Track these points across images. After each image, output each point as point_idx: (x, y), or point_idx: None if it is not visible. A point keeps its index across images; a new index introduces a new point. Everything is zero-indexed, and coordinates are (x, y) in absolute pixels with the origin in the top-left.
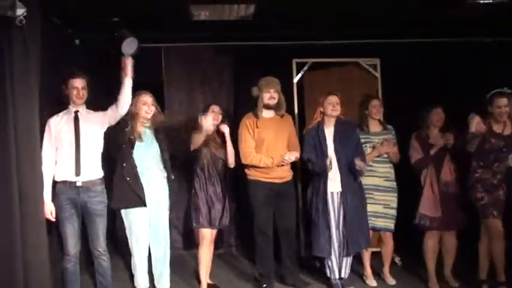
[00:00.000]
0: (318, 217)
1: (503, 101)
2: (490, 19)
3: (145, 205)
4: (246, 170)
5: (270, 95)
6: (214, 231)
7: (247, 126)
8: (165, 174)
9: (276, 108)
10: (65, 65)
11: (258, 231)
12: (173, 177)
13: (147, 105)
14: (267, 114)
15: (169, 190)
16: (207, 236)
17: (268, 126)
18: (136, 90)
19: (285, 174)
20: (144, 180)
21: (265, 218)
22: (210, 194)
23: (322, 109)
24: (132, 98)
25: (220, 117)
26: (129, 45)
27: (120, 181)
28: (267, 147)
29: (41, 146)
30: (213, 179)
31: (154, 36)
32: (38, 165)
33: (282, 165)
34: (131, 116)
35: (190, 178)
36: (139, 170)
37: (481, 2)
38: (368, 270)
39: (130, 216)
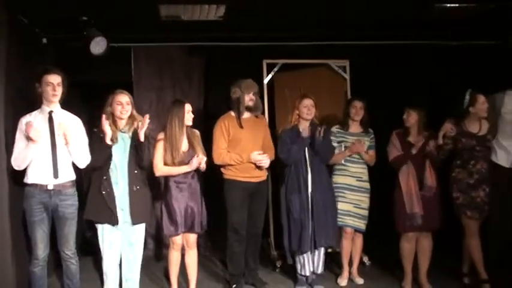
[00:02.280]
0: (299, 214)
1: (483, 98)
2: (457, 23)
3: (117, 223)
4: (223, 170)
5: (250, 97)
6: (191, 236)
7: (222, 127)
8: (138, 184)
9: (254, 109)
10: (32, 64)
11: (232, 231)
12: (135, 188)
13: (122, 106)
14: (245, 115)
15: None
16: (176, 240)
17: (245, 127)
18: (104, 90)
19: (261, 174)
20: (117, 188)
21: (239, 217)
22: (182, 197)
23: (298, 112)
24: (109, 96)
25: (191, 116)
26: (98, 45)
27: (97, 193)
28: (243, 148)
29: (7, 145)
30: (185, 182)
31: (123, 36)
32: (1, 165)
33: (255, 165)
34: (107, 117)
35: (163, 181)
36: (112, 176)
37: (448, 5)
38: (345, 270)
39: (103, 224)
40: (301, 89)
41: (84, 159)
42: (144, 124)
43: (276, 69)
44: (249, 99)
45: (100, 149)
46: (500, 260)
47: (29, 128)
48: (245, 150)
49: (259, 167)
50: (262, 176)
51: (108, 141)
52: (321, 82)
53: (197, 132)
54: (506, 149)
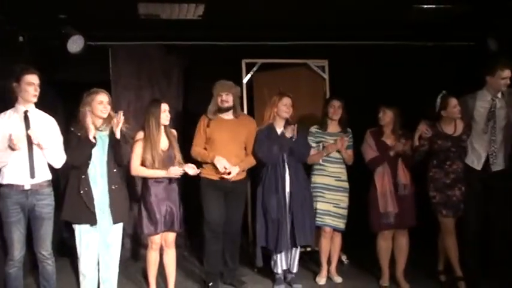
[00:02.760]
0: (276, 214)
1: (455, 101)
2: (434, 24)
3: (96, 222)
4: (200, 168)
5: (222, 98)
6: (170, 235)
7: (200, 126)
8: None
9: (229, 110)
10: (8, 62)
11: (208, 230)
12: (114, 187)
13: (103, 105)
14: (224, 116)
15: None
16: (155, 239)
17: (222, 127)
18: (81, 89)
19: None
20: (95, 187)
21: (215, 216)
22: (161, 197)
23: (276, 109)
24: (88, 95)
25: (168, 116)
26: (75, 43)
27: (75, 193)
28: (218, 148)
29: None
30: (164, 181)
31: (101, 34)
32: None
33: (223, 173)
34: (84, 116)
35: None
36: (91, 175)
37: (426, 7)
38: (323, 268)
39: (81, 225)
40: (280, 88)
41: (59, 160)
42: (119, 121)
43: (255, 68)
44: (220, 100)
45: (79, 147)
46: (475, 257)
47: (12, 141)
48: (218, 151)
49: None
50: (238, 175)
51: (91, 138)
52: (300, 82)
53: (174, 132)
54: (478, 152)
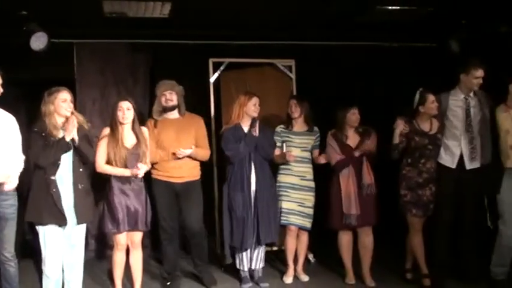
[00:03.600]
0: (242, 212)
1: (432, 97)
2: (399, 25)
3: (66, 223)
4: (151, 169)
5: (166, 97)
6: (136, 234)
7: (147, 127)
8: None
9: (173, 109)
10: None
11: (161, 229)
12: (80, 186)
13: (67, 103)
14: (169, 115)
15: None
16: (120, 240)
17: (168, 127)
18: (45, 88)
19: (184, 174)
20: (62, 187)
21: (166, 216)
22: (125, 196)
23: (245, 109)
24: (50, 94)
25: (127, 114)
26: (39, 40)
27: (41, 194)
28: (167, 148)
29: None
30: (129, 180)
31: (65, 31)
32: None
33: (179, 159)
34: (47, 115)
35: (105, 179)
36: (57, 175)
37: (389, 8)
38: (290, 267)
39: (46, 226)
40: (248, 87)
41: (17, 160)
42: (71, 124)
43: (222, 68)
44: (164, 99)
45: (51, 148)
46: (443, 256)
47: None
48: (167, 151)
49: (182, 168)
50: (186, 177)
51: (68, 139)
52: (267, 81)
53: (144, 129)
54: (451, 150)
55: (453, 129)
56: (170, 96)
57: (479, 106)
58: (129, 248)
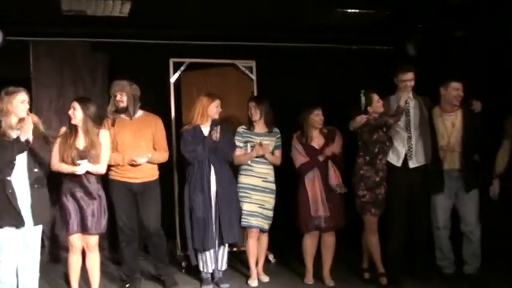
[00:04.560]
0: (202, 213)
1: (376, 96)
2: (357, 27)
3: (24, 224)
4: (108, 170)
5: (116, 98)
6: (91, 238)
7: (104, 127)
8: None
9: (125, 111)
10: None
11: (119, 231)
12: (36, 186)
13: (24, 104)
14: (123, 116)
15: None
16: (74, 242)
17: (124, 127)
18: (0, 86)
19: (142, 175)
20: (17, 188)
21: (124, 217)
22: (77, 198)
23: (207, 110)
24: (8, 94)
25: (74, 114)
26: None
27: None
28: (122, 148)
29: None
30: (82, 182)
31: (21, 29)
32: None
33: (136, 165)
34: (3, 115)
35: (60, 181)
36: (13, 175)
37: (349, 11)
38: (253, 270)
39: (2, 229)
40: (209, 87)
41: None
42: (27, 124)
43: (182, 68)
44: (115, 100)
45: (2, 148)
46: (398, 254)
47: None
48: (124, 152)
49: (139, 169)
50: (144, 177)
51: (23, 139)
52: (229, 82)
53: (97, 130)
54: (397, 149)
55: (397, 128)
56: (120, 97)
57: (419, 107)
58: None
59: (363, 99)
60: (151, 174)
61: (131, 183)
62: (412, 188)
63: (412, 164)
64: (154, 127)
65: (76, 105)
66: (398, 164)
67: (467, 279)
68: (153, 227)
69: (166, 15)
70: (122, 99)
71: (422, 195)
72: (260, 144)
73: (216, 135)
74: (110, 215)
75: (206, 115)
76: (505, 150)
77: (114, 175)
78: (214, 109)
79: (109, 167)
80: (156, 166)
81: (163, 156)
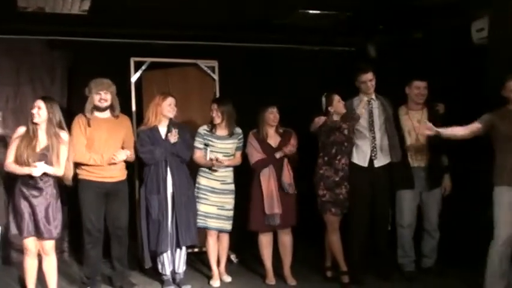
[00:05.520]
0: (157, 214)
1: (337, 96)
2: (319, 29)
3: None
4: (77, 170)
5: (100, 96)
6: (47, 242)
7: (79, 125)
8: None
9: (109, 109)
10: None
11: (86, 232)
12: None
13: None
14: (100, 114)
15: None
16: (28, 245)
17: (100, 126)
18: None
19: (116, 174)
20: None
21: (93, 218)
22: (30, 201)
23: (160, 109)
24: None
25: (39, 113)
26: None
27: None
28: (98, 148)
29: None
30: (37, 184)
31: None
32: None
33: (114, 164)
34: None
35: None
36: None
37: (311, 12)
38: (214, 271)
39: None
40: (170, 87)
41: None
42: None
43: (144, 67)
44: (99, 98)
45: None
46: (360, 252)
47: None
48: (100, 151)
49: (114, 167)
50: (118, 176)
51: None
52: (190, 82)
53: (58, 131)
54: (362, 149)
55: (361, 129)
56: (105, 96)
57: (382, 107)
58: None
59: (323, 100)
60: (123, 173)
61: (105, 182)
62: (376, 187)
63: (377, 164)
64: (126, 127)
65: (41, 104)
66: (364, 164)
67: (426, 272)
68: (124, 228)
69: (127, 13)
70: (106, 98)
71: (386, 194)
72: (217, 160)
73: (175, 136)
74: (73, 217)
75: (160, 114)
76: (467, 129)
77: (86, 175)
78: (166, 107)
79: (79, 166)
80: (125, 166)
81: (133, 155)
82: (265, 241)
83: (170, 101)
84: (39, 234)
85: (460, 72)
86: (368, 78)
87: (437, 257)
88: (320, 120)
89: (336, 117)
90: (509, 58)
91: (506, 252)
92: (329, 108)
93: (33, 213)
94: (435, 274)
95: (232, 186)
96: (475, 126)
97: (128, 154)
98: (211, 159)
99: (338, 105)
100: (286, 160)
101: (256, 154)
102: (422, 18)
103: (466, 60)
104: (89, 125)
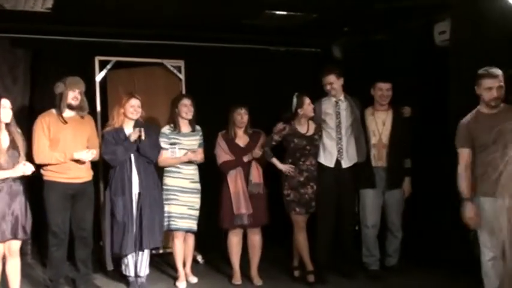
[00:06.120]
0: (122, 216)
1: (308, 99)
2: (285, 29)
3: None
4: (42, 171)
5: (75, 95)
6: (13, 243)
7: (42, 125)
8: None
9: (78, 108)
10: None
11: (51, 234)
12: None
13: None
14: (68, 113)
15: None
16: None
17: (66, 126)
18: None
19: (83, 174)
20: None
21: (59, 220)
22: (3, 202)
23: (123, 110)
24: None
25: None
26: None
27: None
28: (63, 148)
29: None
30: (5, 184)
31: None
32: None
33: (82, 163)
34: None
35: None
36: None
37: (277, 13)
38: (180, 272)
39: None
40: (136, 87)
41: None
42: None
43: (109, 66)
44: (73, 96)
45: None
46: (326, 251)
47: None
48: (62, 151)
49: (81, 168)
50: (85, 177)
51: None
52: (156, 81)
53: (19, 130)
54: (329, 150)
55: (329, 130)
56: (78, 95)
57: (350, 109)
58: (5, 256)
59: (294, 101)
60: (90, 174)
61: (72, 183)
62: (343, 188)
63: (344, 164)
64: (90, 126)
65: (7, 103)
66: (331, 164)
67: (390, 270)
68: (90, 229)
69: (92, 11)
70: (78, 96)
71: (352, 194)
72: (193, 152)
73: (141, 136)
74: (38, 218)
75: (123, 115)
76: (466, 167)
77: (52, 176)
78: (129, 108)
79: (44, 167)
80: (91, 166)
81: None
82: (234, 240)
83: (133, 102)
84: (15, 235)
85: (423, 73)
86: (328, 81)
87: (400, 256)
88: (276, 128)
89: (303, 121)
90: (470, 60)
91: (496, 263)
92: (298, 110)
93: (5, 214)
94: (398, 273)
95: (199, 186)
96: (467, 155)
97: (94, 154)
98: (190, 151)
99: (308, 108)
100: (254, 161)
101: (224, 155)
102: (386, 20)
103: (430, 61)
104: (54, 125)
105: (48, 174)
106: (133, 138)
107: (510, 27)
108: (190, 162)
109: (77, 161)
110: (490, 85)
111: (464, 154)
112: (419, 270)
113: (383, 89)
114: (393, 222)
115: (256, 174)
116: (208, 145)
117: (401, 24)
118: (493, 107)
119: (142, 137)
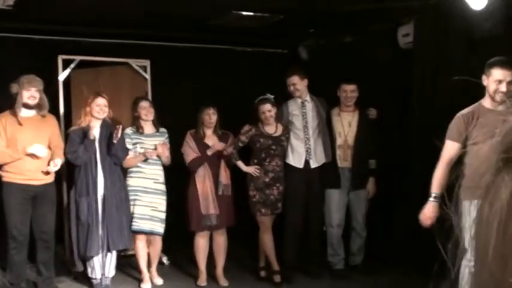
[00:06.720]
0: (87, 217)
1: (267, 106)
2: (252, 30)
3: None
4: (1, 172)
5: (31, 94)
6: None
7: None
8: None
9: (36, 107)
10: None
11: (10, 238)
12: None
13: None
14: (26, 113)
15: None
16: None
17: (25, 125)
18: None
19: (43, 176)
20: None
21: (18, 222)
22: None
23: (89, 109)
24: None
25: None
26: None
27: None
28: (23, 147)
29: None
30: None
31: None
32: None
33: (35, 157)
34: None
35: None
36: None
37: (244, 13)
38: (145, 273)
39: None
40: (100, 86)
41: None
42: None
43: (72, 65)
44: (29, 95)
45: None
46: (293, 252)
47: None
48: (21, 151)
49: (40, 168)
50: (45, 178)
51: None
52: (122, 81)
53: None
54: (298, 151)
55: (296, 131)
56: (35, 93)
57: (316, 109)
58: None
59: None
60: (51, 176)
61: (31, 185)
62: (311, 188)
63: (313, 164)
64: (52, 125)
65: None
66: (300, 165)
67: (354, 269)
68: (52, 232)
69: (55, 9)
70: (36, 95)
71: (320, 195)
72: (155, 148)
73: (118, 135)
74: None
75: (90, 115)
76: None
77: (11, 178)
78: (95, 108)
79: (3, 168)
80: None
81: (62, 153)
82: (201, 242)
83: (100, 101)
84: None
85: (388, 75)
86: (292, 82)
87: (364, 255)
88: (242, 130)
89: (271, 121)
90: (432, 62)
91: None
92: (259, 115)
93: None
94: (362, 271)
95: (163, 187)
96: (454, 150)
97: (57, 165)
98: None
99: (263, 115)
100: (223, 161)
101: (192, 153)
102: (352, 22)
103: (394, 63)
104: (11, 125)
105: (6, 176)
106: (92, 136)
107: (471, 30)
108: (154, 162)
109: (34, 157)
110: (501, 77)
111: (451, 148)
112: (384, 269)
113: (347, 90)
114: (358, 221)
115: (224, 175)
116: (175, 146)
117: (366, 26)
118: (497, 102)
119: (119, 135)
